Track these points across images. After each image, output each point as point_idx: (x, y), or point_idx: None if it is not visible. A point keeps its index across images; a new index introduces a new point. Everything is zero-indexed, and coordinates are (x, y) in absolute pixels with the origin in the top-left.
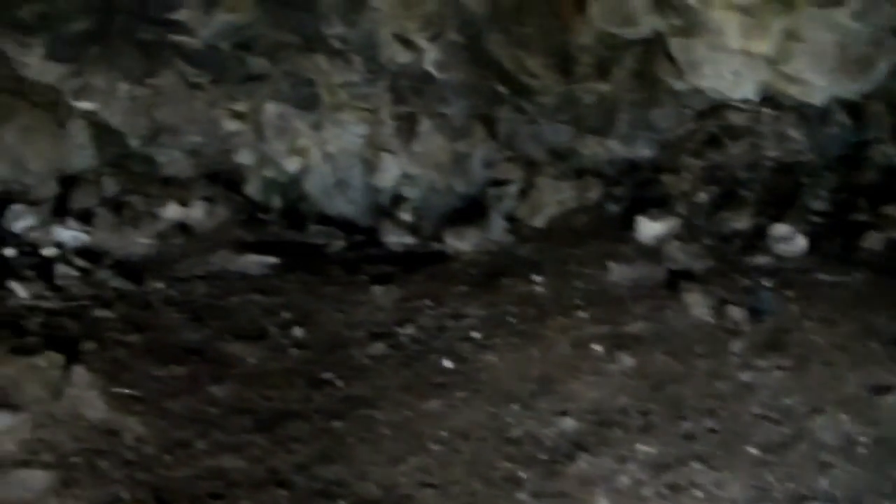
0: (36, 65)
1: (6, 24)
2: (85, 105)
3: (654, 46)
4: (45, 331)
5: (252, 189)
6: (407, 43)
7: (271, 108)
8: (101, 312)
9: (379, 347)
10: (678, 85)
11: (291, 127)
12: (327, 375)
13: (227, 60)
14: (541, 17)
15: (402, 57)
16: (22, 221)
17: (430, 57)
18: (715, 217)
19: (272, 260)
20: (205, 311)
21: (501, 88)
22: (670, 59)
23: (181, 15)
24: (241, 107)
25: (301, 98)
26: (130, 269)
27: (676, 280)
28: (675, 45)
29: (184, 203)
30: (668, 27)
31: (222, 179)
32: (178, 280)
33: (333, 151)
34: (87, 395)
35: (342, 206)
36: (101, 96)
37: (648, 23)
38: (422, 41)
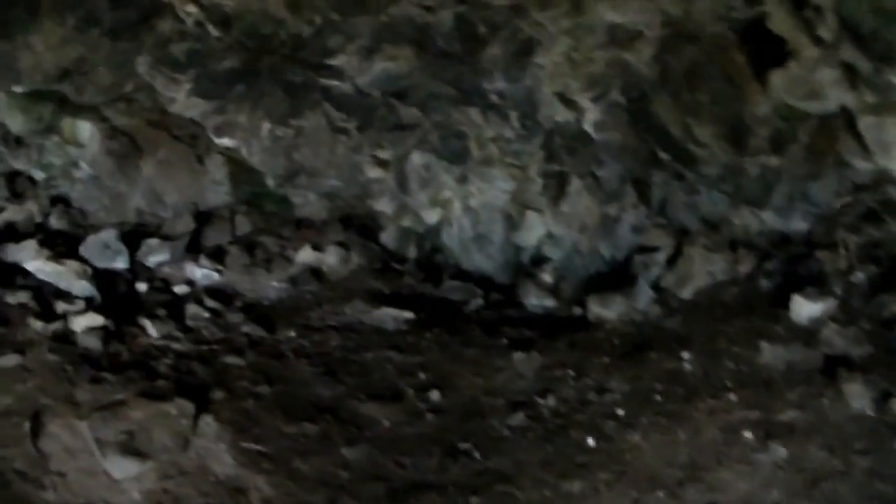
0: (182, 100)
1: (158, 59)
2: (225, 142)
3: (837, 122)
4: (175, 374)
5: (387, 237)
6: (568, 102)
7: (417, 158)
8: (231, 359)
9: (519, 418)
10: (862, 164)
11: (436, 178)
12: (464, 445)
13: (377, 107)
14: (715, 85)
15: (562, 116)
16: (155, 256)
17: (591, 117)
18: (874, 299)
19: (408, 315)
20: (338, 366)
21: (663, 154)
22: (855, 136)
23: (338, 60)
24: (385, 154)
25: (449, 150)
26: (262, 313)
27: (834, 366)
28: (866, 122)
29: (317, 247)
30: (860, 103)
31: (356, 224)
32: (312, 329)
33: (476, 205)
34: (215, 448)
35: (480, 261)
36: (242, 134)
37: (836, 97)
38: (584, 101)
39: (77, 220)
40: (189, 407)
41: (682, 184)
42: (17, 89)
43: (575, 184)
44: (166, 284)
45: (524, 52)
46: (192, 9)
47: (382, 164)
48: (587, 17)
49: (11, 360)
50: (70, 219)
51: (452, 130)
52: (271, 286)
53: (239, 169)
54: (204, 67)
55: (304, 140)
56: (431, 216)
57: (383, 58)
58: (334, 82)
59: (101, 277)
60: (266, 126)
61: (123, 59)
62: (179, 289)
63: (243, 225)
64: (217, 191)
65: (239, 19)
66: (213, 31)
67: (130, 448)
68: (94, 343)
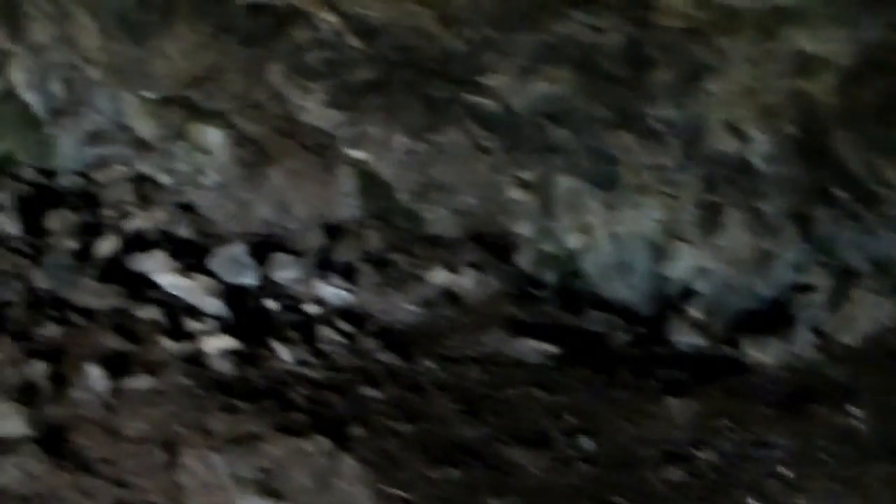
0: (314, 110)
1: (291, 68)
2: (357, 154)
3: None
4: (310, 406)
5: (524, 260)
6: (736, 132)
7: (564, 182)
8: (368, 391)
9: (674, 472)
10: None
11: (581, 203)
12: (618, 500)
13: (525, 128)
14: None
15: (727, 145)
16: (285, 272)
17: (759, 149)
18: None
19: (551, 348)
20: (480, 403)
21: (837, 192)
22: None
23: (491, 79)
24: (528, 175)
25: (599, 175)
26: (396, 339)
27: None
28: None
29: (451, 268)
30: None
31: (489, 244)
32: (450, 360)
33: (622, 233)
34: (355, 491)
35: (621, 289)
36: (375, 147)
37: None
38: (754, 131)
39: (203, 228)
40: (327, 444)
41: (856, 223)
42: (148, 94)
43: (732, 216)
44: (296, 303)
45: (695, 78)
46: (330, 17)
47: (525, 185)
48: (775, 44)
49: (144, 382)
50: (196, 227)
51: (604, 155)
52: (404, 308)
53: (369, 182)
54: (339, 77)
55: (441, 156)
56: (572, 241)
57: (541, 79)
58: (480, 99)
59: (230, 293)
60: (401, 139)
61: (256, 66)
62: (310, 308)
63: (373, 240)
64: (346, 203)
65: (385, 32)
66: (353, 42)
67: (268, 487)
68: (226, 367)
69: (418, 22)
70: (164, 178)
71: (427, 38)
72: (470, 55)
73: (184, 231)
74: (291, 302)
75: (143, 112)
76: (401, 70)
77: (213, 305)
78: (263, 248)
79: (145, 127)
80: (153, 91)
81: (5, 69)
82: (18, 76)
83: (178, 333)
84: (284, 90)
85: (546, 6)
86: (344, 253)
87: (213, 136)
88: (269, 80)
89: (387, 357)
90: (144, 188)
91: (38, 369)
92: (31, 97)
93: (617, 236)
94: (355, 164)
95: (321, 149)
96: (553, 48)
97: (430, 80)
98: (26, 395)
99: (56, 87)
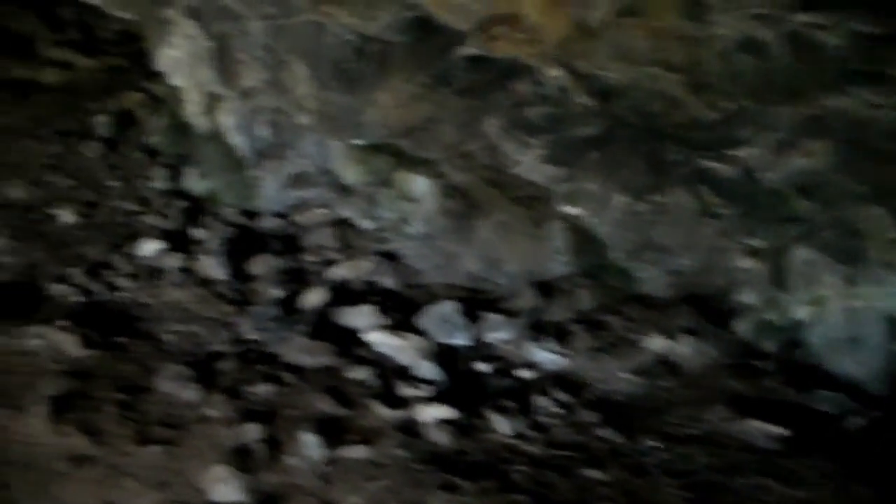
0: (529, 164)
1: (510, 121)
2: (571, 210)
3: None
4: (532, 487)
5: (744, 328)
6: None
7: (800, 253)
8: (591, 472)
9: None
10: None
11: (817, 276)
12: None
13: (765, 196)
14: None
15: None
16: (496, 332)
17: None
18: None
19: (780, 431)
20: (707, 491)
21: None
22: None
23: (742, 151)
24: (760, 244)
25: (842, 248)
26: (615, 411)
27: None
28: None
29: (668, 334)
30: None
31: (704, 308)
32: (672, 439)
33: (859, 307)
34: None
35: (849, 365)
36: (591, 204)
37: None
38: None
39: (408, 279)
40: None
41: None
42: (357, 142)
43: None
44: (508, 366)
45: None
46: (556, 73)
47: (754, 252)
48: None
49: (359, 452)
50: (401, 277)
51: (851, 228)
52: (621, 377)
53: (580, 238)
54: (559, 133)
55: (662, 217)
56: (801, 312)
57: (799, 153)
58: (717, 165)
59: (442, 354)
60: (620, 198)
61: (472, 118)
62: (523, 373)
63: (584, 300)
64: (556, 260)
65: (623, 94)
66: (581, 99)
67: None
68: (442, 438)
69: (663, 86)
70: (365, 224)
71: (671, 104)
72: (719, 126)
73: (388, 281)
74: (504, 365)
75: (349, 158)
76: (628, 130)
77: (426, 368)
78: (471, 303)
79: (351, 173)
80: (362, 138)
81: (214, 112)
82: (227, 119)
83: (392, 398)
84: (500, 143)
85: (820, 80)
86: (555, 312)
87: (420, 185)
88: (485, 132)
89: (607, 433)
90: (346, 233)
91: (251, 432)
92: (237, 139)
93: (852, 310)
94: (568, 219)
95: (532, 202)
96: (817, 121)
97: (661, 141)
98: (241, 458)
99: (263, 131)
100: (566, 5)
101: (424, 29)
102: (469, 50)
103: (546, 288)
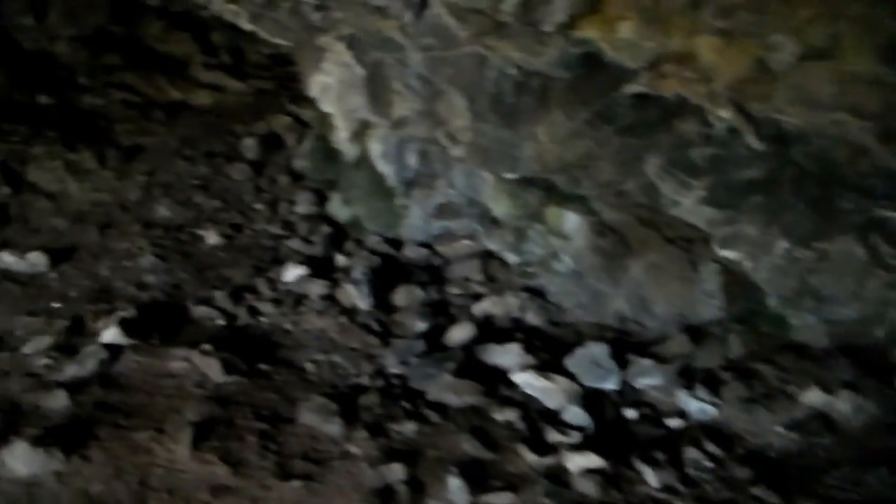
0: (689, 206)
1: (672, 161)
2: (728, 254)
3: None
4: None
5: None
6: None
7: None
8: None
9: None
10: None
11: None
12: None
13: None
14: None
15: None
16: (646, 378)
17: None
18: None
19: None
20: None
21: None
22: None
23: None
24: None
25: None
26: (769, 468)
27: None
28: None
29: (825, 388)
30: None
31: (862, 359)
32: (832, 503)
33: None
34: None
35: None
36: (750, 248)
37: None
38: None
39: (553, 316)
40: None
41: None
42: (509, 175)
43: None
44: (656, 414)
45: None
46: (726, 114)
47: None
48: None
49: (505, 499)
50: (546, 315)
51: None
52: (775, 431)
53: (735, 282)
54: (722, 175)
55: (827, 265)
56: None
57: None
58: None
59: (589, 398)
60: (781, 243)
61: (631, 156)
62: (672, 422)
63: (736, 347)
64: (708, 304)
65: (801, 140)
66: (751, 142)
67: None
68: (590, 488)
69: (848, 133)
70: (512, 258)
71: (855, 151)
72: None
73: (533, 318)
74: (652, 413)
75: (499, 191)
76: (797, 174)
77: (574, 413)
78: (618, 346)
79: (500, 206)
80: (515, 172)
81: (363, 139)
82: (376, 146)
83: (539, 443)
84: (658, 182)
85: None
86: (705, 359)
87: (571, 221)
88: (643, 171)
89: (761, 492)
90: (491, 266)
91: (395, 472)
92: (385, 167)
93: None
94: (724, 263)
95: (687, 244)
96: None
97: (835, 188)
98: (383, 499)
99: (412, 160)
100: (745, 46)
101: (591, 65)
102: (636, 88)
103: (696, 332)
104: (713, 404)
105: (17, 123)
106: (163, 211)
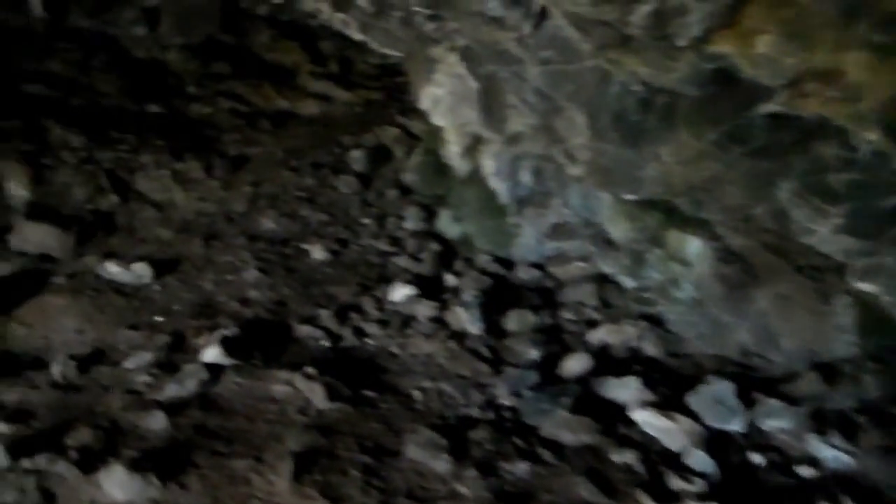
0: (824, 234)
1: (807, 187)
2: (865, 286)
3: None
4: None
5: None
6: None
7: None
8: None
9: None
10: None
11: None
12: None
13: None
14: None
15: None
16: (774, 420)
17: None
18: None
19: None
20: None
21: None
22: None
23: None
24: None
25: None
26: None
27: None
28: None
29: None
30: None
31: None
32: None
33: None
34: None
35: None
36: (889, 281)
37: None
38: None
39: (672, 347)
40: None
41: None
42: (629, 197)
43: None
44: (786, 460)
45: None
46: (873, 136)
47: None
48: None
49: None
50: (665, 346)
51: None
52: None
53: (872, 317)
54: (864, 201)
55: None
56: None
57: None
58: None
59: (713, 441)
60: None
61: (762, 180)
62: (803, 470)
63: (872, 388)
64: (840, 340)
65: None
66: None
67: None
68: None
69: None
70: (628, 283)
71: None
72: None
73: (651, 348)
74: (781, 459)
75: (617, 212)
76: None
77: (697, 458)
78: (743, 382)
79: (617, 228)
80: (636, 194)
81: (475, 154)
82: (488, 162)
83: (659, 490)
84: (790, 208)
85: None
86: (838, 400)
87: (694, 247)
88: (774, 196)
89: None
90: (606, 291)
91: None
92: (498, 184)
93: None
94: (860, 296)
95: (819, 274)
96: None
97: None
98: None
99: (526, 177)
100: None
101: (725, 83)
102: (772, 107)
103: (828, 370)
104: (848, 452)
105: (126, 132)
106: (268, 223)
